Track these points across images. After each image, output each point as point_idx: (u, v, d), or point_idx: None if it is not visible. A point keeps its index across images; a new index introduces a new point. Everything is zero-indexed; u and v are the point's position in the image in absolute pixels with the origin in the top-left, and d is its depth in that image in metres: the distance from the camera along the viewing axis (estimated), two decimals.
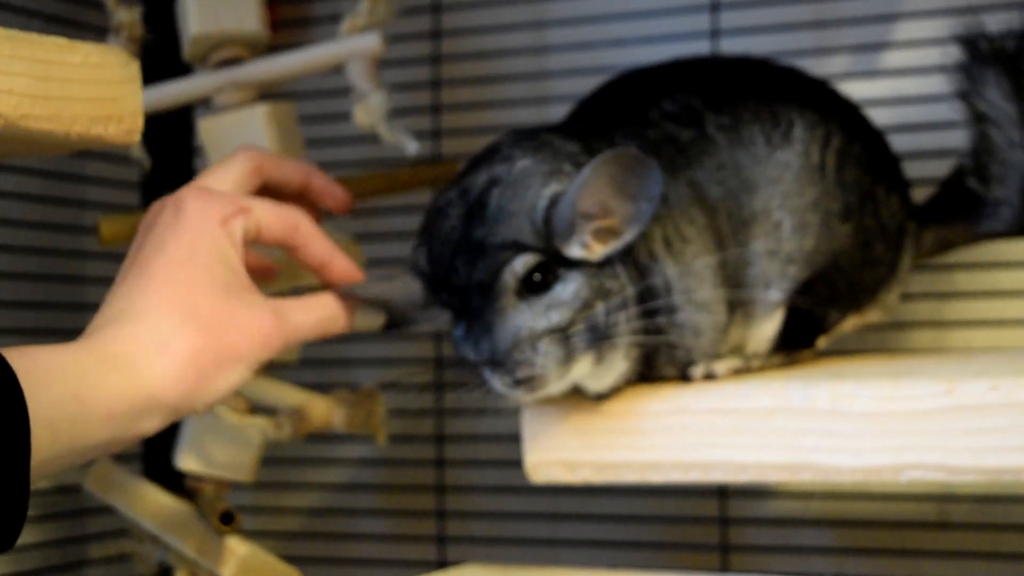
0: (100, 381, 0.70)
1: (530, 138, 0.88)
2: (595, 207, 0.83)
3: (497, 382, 0.82)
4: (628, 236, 0.83)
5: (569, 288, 0.83)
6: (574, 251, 0.83)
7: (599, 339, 0.83)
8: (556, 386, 0.83)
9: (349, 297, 0.87)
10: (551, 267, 0.83)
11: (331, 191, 0.93)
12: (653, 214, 0.83)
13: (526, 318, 0.81)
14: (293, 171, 0.90)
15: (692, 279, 0.89)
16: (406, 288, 0.87)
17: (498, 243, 0.82)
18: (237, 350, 0.77)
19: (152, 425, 0.74)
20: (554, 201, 0.83)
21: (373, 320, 0.89)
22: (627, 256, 0.85)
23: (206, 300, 0.76)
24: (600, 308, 0.83)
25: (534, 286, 0.82)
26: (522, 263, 0.82)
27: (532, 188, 0.83)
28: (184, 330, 0.74)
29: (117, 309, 0.75)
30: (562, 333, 0.82)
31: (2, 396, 0.63)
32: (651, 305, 0.86)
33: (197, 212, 0.79)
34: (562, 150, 0.86)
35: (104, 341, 0.73)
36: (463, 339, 0.83)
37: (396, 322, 0.89)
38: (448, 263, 0.83)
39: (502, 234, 0.82)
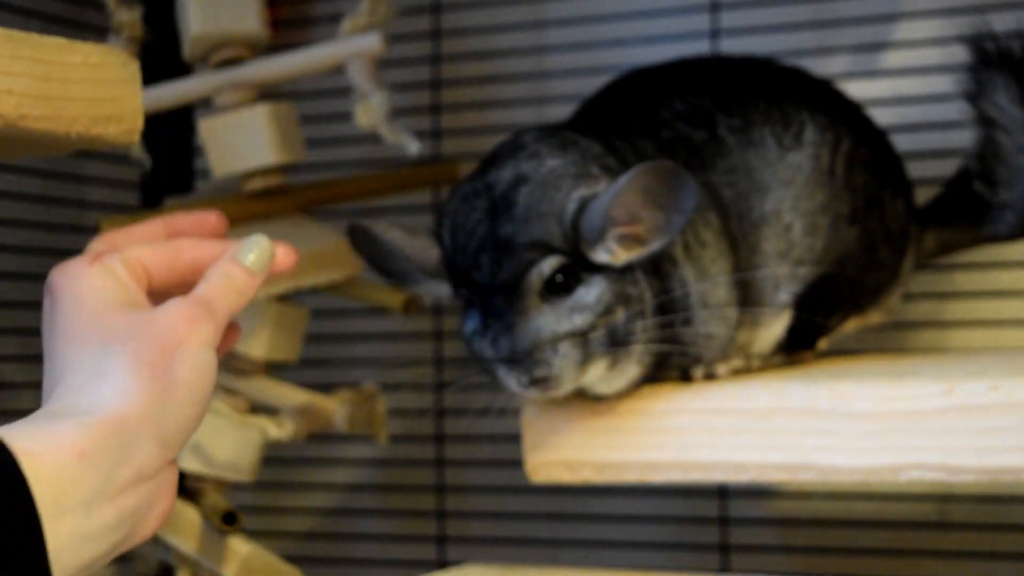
0: (51, 431, 0.64)
1: (555, 136, 0.87)
2: (625, 215, 0.83)
3: (512, 381, 0.82)
4: (655, 245, 0.83)
5: (592, 292, 0.82)
6: (600, 256, 0.83)
7: (616, 344, 0.83)
8: (569, 387, 0.83)
9: (363, 232, 0.86)
10: (574, 270, 0.83)
11: (197, 221, 0.80)
12: (683, 226, 0.82)
13: (548, 320, 0.81)
14: (148, 231, 0.78)
15: (709, 286, 0.89)
16: (423, 249, 0.87)
17: (526, 243, 0.82)
18: (172, 337, 0.69)
19: (148, 453, 0.67)
20: (583, 205, 0.83)
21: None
22: (648, 262, 0.85)
23: (114, 319, 0.70)
24: (620, 314, 0.83)
25: (556, 287, 0.82)
26: (549, 265, 0.82)
27: (562, 190, 0.83)
28: (110, 351, 0.68)
29: (45, 393, 0.69)
30: (581, 336, 0.82)
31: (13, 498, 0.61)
32: (670, 318, 0.86)
33: (61, 274, 0.72)
34: (588, 151, 0.86)
35: (45, 412, 0.67)
36: (480, 335, 0.83)
37: (395, 274, 0.89)
38: (472, 258, 0.83)
39: (530, 234, 0.82)
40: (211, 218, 0.79)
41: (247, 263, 0.74)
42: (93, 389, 0.67)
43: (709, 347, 0.90)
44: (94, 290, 0.72)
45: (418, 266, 0.87)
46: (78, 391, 0.68)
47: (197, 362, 0.70)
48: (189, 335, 0.70)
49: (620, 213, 0.82)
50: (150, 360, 0.69)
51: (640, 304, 0.84)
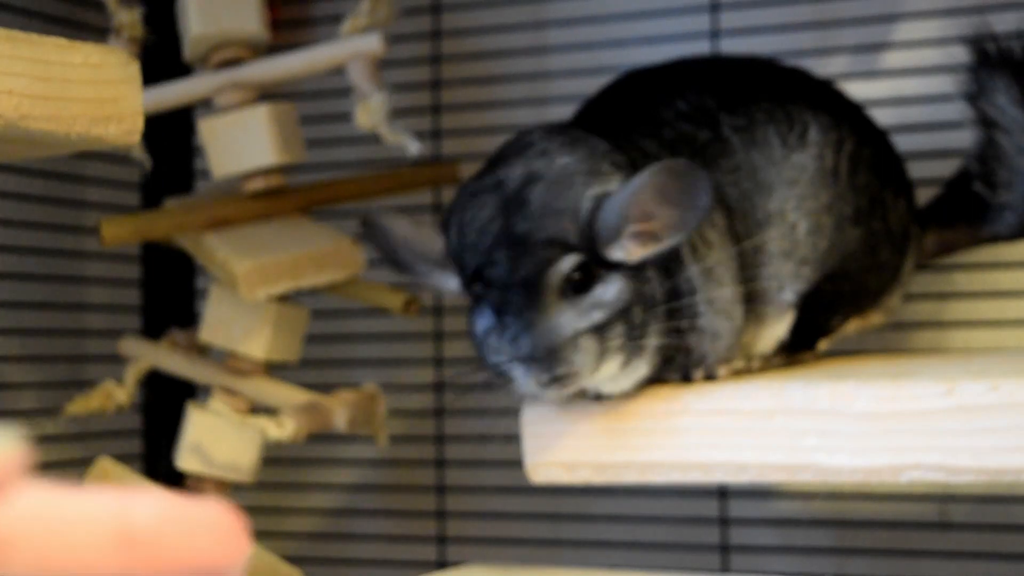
0: None
1: (562, 133, 0.87)
2: (640, 213, 0.83)
3: (531, 380, 0.81)
4: (669, 243, 0.83)
5: (610, 290, 0.83)
6: (615, 254, 0.83)
7: (631, 341, 0.83)
8: (583, 384, 0.83)
9: (373, 222, 0.86)
10: (591, 267, 0.83)
11: None
12: (698, 224, 0.83)
13: (569, 318, 0.81)
14: None
15: (714, 283, 0.90)
16: (428, 240, 0.87)
17: (543, 240, 0.82)
18: None
19: None
20: (599, 203, 0.83)
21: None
22: (658, 261, 0.85)
23: None
24: (636, 311, 0.83)
25: (574, 285, 0.82)
26: (568, 263, 0.82)
27: (575, 187, 0.83)
28: None
29: None
30: (599, 334, 0.82)
31: None
32: (676, 305, 0.86)
33: None
34: (597, 148, 0.86)
35: None
36: (496, 333, 0.83)
37: (400, 264, 0.89)
38: (487, 255, 0.83)
39: (546, 231, 0.82)
40: None
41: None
42: None
43: (715, 347, 0.90)
44: None
45: (422, 256, 0.87)
46: None
47: None
48: None
49: (635, 211, 0.82)
50: None
51: (653, 302, 0.84)
